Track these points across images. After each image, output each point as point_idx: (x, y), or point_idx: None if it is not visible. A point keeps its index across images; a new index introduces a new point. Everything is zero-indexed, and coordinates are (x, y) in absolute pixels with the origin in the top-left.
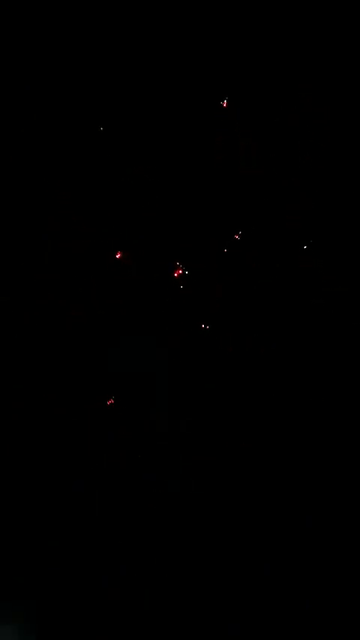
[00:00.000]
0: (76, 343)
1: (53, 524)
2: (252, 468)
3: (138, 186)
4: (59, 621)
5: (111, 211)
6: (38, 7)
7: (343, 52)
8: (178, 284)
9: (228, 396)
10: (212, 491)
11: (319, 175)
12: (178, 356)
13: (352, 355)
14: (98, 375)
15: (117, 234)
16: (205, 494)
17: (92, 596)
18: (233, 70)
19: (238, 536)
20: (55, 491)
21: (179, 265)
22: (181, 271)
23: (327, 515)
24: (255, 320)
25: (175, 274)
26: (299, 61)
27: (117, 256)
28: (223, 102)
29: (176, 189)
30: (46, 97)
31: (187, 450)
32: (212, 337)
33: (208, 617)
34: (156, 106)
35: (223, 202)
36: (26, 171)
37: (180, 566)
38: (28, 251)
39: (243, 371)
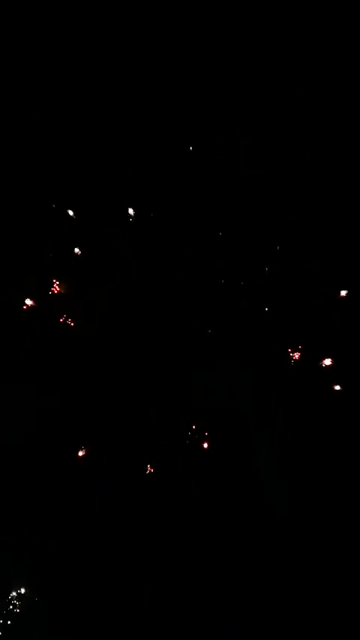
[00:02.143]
0: (76, 343)
1: (54, 524)
2: (252, 468)
3: (138, 186)
4: (60, 620)
5: (111, 211)
6: (38, 8)
7: (343, 52)
8: (178, 284)
9: (227, 395)
10: (212, 491)
11: (319, 175)
12: (178, 355)
13: (351, 354)
14: (99, 376)
15: (117, 235)
16: (205, 494)
17: (92, 596)
18: (233, 70)
19: (238, 536)
20: (56, 492)
21: (179, 265)
22: (181, 271)
23: (327, 516)
24: (255, 320)
25: (175, 274)
26: (299, 61)
27: (117, 256)
28: (223, 102)
29: (176, 189)
30: (46, 97)
31: (187, 450)
32: (212, 337)
33: (208, 617)
34: (156, 106)
35: (223, 202)
36: (26, 171)
37: (180, 566)
38: (28, 251)
39: (243, 371)
